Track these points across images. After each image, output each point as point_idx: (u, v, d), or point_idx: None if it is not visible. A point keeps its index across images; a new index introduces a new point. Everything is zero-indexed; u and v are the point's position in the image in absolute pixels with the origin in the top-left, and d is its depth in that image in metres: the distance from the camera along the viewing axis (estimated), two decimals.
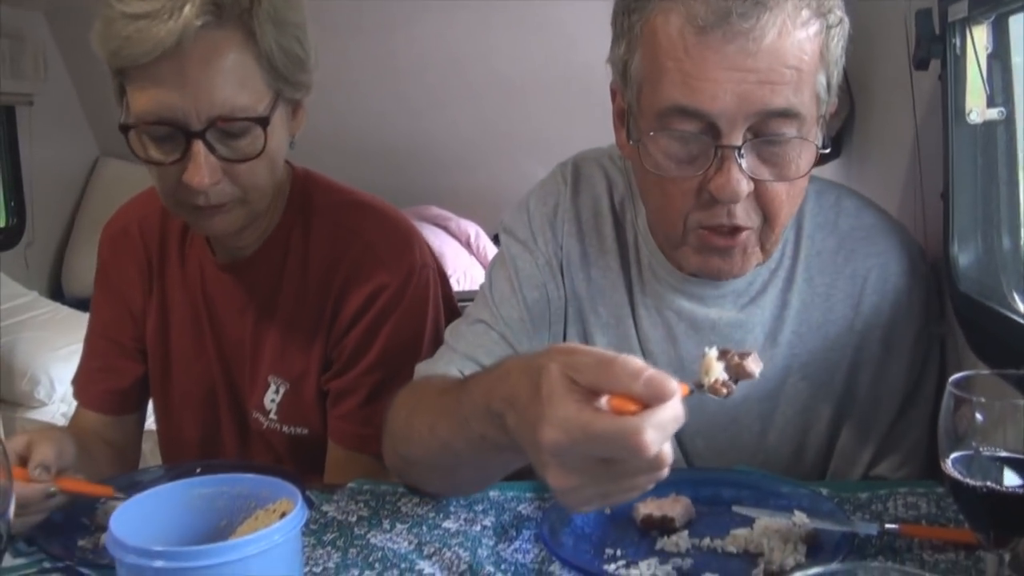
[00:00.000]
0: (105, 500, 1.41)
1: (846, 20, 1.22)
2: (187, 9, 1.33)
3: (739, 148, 1.17)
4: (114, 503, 1.40)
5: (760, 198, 1.22)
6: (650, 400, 0.86)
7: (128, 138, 1.44)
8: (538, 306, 1.45)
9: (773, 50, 1.14)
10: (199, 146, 1.38)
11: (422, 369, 1.43)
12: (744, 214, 1.22)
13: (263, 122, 1.42)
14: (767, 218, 1.24)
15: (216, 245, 1.64)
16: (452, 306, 1.70)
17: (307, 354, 1.60)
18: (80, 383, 1.78)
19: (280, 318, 1.61)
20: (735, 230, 1.24)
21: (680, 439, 1.42)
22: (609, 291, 1.44)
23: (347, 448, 1.58)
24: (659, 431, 0.85)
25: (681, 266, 1.36)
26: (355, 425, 1.57)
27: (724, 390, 0.99)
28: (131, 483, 1.45)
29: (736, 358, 0.97)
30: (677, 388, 0.87)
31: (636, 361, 0.87)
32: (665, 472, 0.89)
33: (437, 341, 1.55)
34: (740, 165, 1.18)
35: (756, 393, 1.39)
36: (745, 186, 1.19)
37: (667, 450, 0.87)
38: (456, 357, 1.41)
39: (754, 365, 0.98)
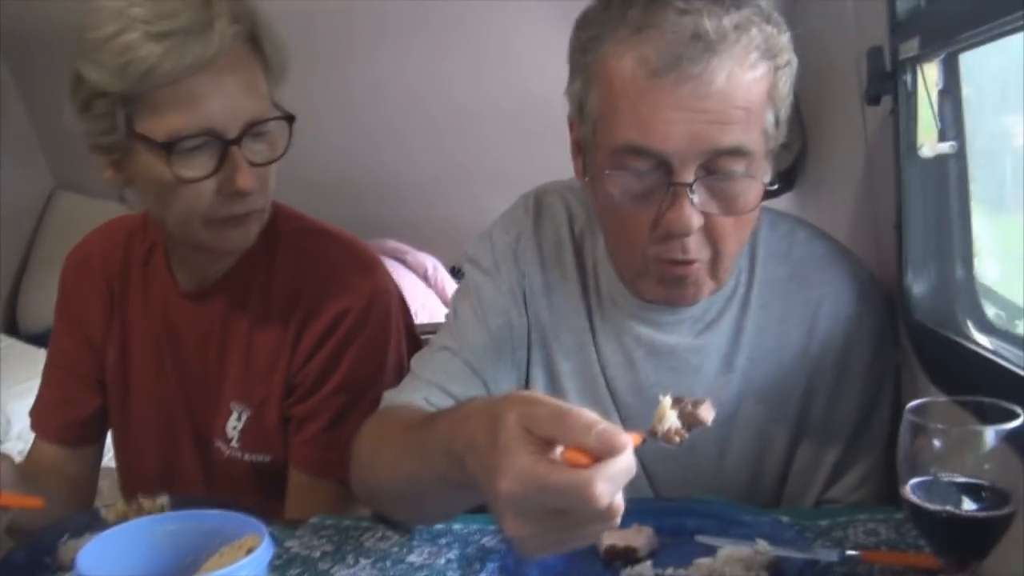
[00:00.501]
0: (67, 539, 1.40)
1: (794, 60, 1.26)
2: (220, 22, 1.38)
3: (691, 184, 1.22)
4: (75, 541, 1.39)
5: (710, 231, 1.26)
6: (601, 453, 0.89)
7: (164, 162, 1.41)
8: (502, 332, 1.47)
9: (723, 92, 1.19)
10: (238, 152, 1.42)
11: (388, 397, 1.45)
12: (696, 247, 1.27)
13: (290, 119, 1.48)
14: (716, 250, 1.28)
15: (180, 272, 1.64)
16: (413, 334, 1.70)
17: (269, 379, 1.60)
18: (38, 414, 1.76)
19: (243, 344, 1.62)
20: (688, 261, 1.28)
21: (640, 465, 1.42)
22: (571, 318, 1.47)
23: (309, 474, 1.58)
24: (610, 483, 0.88)
25: (642, 294, 1.39)
26: (318, 450, 1.57)
27: (676, 438, 1.02)
28: (95, 518, 1.45)
29: (689, 406, 1.00)
30: (628, 441, 0.90)
31: (588, 414, 0.91)
32: (617, 520, 0.91)
33: (399, 366, 1.58)
34: (692, 200, 1.22)
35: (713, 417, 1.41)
36: (696, 220, 1.23)
37: (619, 500, 0.90)
38: (422, 385, 1.43)
39: (707, 413, 1.00)
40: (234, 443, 1.62)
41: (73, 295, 1.74)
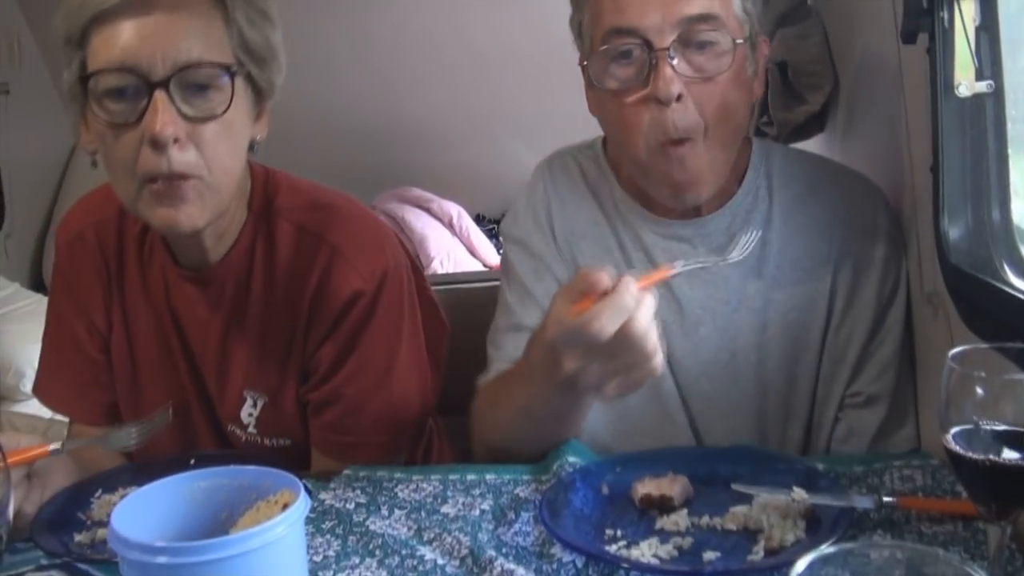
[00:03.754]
0: (100, 494, 1.41)
1: None
2: None
3: (668, 49, 1.37)
4: (109, 496, 1.40)
5: (697, 102, 1.39)
6: (589, 293, 1.17)
7: (85, 109, 1.39)
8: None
9: None
10: (161, 95, 1.32)
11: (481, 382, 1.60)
12: (686, 122, 1.39)
13: (230, 71, 1.38)
14: (705, 123, 1.41)
15: (178, 252, 1.56)
16: (428, 299, 1.67)
17: (283, 367, 1.56)
18: (73, 400, 1.69)
19: (250, 329, 1.56)
20: (681, 139, 1.41)
21: (683, 382, 1.53)
22: (604, 255, 1.56)
23: (332, 458, 1.54)
24: (611, 315, 1.14)
25: (652, 193, 1.50)
26: (339, 434, 1.54)
27: None
28: (123, 472, 1.46)
29: None
30: (602, 277, 1.17)
31: (589, 269, 1.19)
32: (658, 359, 1.20)
33: (416, 341, 1.57)
34: (672, 66, 1.37)
35: (749, 324, 1.52)
36: (678, 85, 1.37)
37: (653, 340, 1.18)
38: (504, 365, 1.53)
39: None
40: (251, 429, 1.58)
41: (72, 276, 1.65)
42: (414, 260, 1.66)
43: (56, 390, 1.70)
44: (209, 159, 1.37)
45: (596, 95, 1.49)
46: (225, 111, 1.37)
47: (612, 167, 1.61)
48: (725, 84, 1.41)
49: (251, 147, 1.49)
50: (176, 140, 1.33)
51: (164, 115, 1.32)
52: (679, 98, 1.38)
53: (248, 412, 1.57)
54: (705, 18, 1.38)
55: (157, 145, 1.33)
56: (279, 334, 1.54)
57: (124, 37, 1.33)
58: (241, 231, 1.54)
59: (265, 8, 1.44)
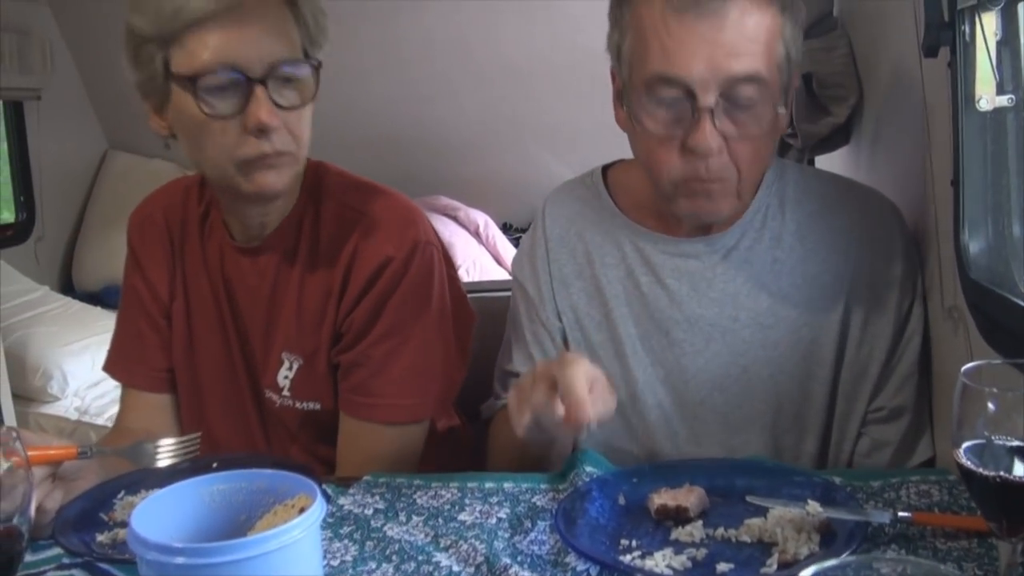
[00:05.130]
0: (123, 495, 1.43)
1: (801, 4, 1.44)
2: None
3: (711, 108, 1.36)
4: (131, 498, 1.41)
5: (732, 154, 1.40)
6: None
7: (163, 100, 1.53)
8: (559, 332, 1.64)
9: (738, 26, 1.36)
10: (262, 90, 1.48)
11: (487, 408, 1.73)
12: (719, 168, 1.41)
13: (317, 64, 1.54)
14: (740, 171, 1.42)
15: (234, 227, 1.69)
16: (457, 287, 1.73)
17: (319, 330, 1.65)
18: (135, 367, 1.80)
19: (293, 297, 1.67)
20: (712, 180, 1.42)
21: (697, 397, 1.56)
22: (614, 282, 1.60)
23: (358, 418, 1.63)
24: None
25: (674, 209, 1.50)
26: (365, 396, 1.63)
27: None
28: (145, 475, 1.47)
29: None
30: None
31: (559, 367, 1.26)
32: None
33: (442, 315, 1.65)
34: (713, 123, 1.37)
35: (760, 340, 1.53)
36: (717, 141, 1.38)
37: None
38: (502, 402, 1.64)
39: None
40: (285, 392, 1.68)
41: (141, 251, 1.80)
42: (447, 252, 1.74)
43: (123, 361, 1.83)
44: (298, 139, 1.55)
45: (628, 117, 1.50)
46: (314, 95, 1.55)
47: (612, 193, 1.65)
48: (762, 139, 1.43)
49: None
50: (277, 127, 1.50)
51: (265, 106, 1.48)
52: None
53: (284, 375, 1.68)
54: (751, 78, 1.36)
55: (263, 132, 1.49)
56: (317, 298, 1.66)
57: (224, 41, 1.47)
58: (293, 208, 1.67)
59: (322, 3, 1.60)
